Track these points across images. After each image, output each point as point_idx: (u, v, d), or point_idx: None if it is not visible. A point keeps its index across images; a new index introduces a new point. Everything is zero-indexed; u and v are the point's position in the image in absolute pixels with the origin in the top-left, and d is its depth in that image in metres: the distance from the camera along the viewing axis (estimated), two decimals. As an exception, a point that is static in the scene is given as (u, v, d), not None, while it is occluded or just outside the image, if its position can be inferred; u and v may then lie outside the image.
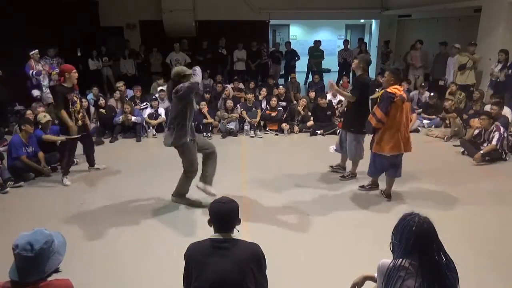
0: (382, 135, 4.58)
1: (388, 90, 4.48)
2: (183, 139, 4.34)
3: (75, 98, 5.27)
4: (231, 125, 7.94)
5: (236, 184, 5.32)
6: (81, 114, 5.39)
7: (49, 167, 5.78)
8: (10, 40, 8.20)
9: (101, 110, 7.89)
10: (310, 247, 3.86)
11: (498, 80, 7.66)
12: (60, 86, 5.22)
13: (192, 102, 4.44)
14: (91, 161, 5.88)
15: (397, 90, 4.47)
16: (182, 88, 4.19)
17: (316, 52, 12.66)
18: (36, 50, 8.16)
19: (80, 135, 5.43)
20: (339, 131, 5.89)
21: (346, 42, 12.87)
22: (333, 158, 6.68)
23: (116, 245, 3.91)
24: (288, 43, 13.01)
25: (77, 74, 5.25)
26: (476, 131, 6.53)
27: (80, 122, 5.36)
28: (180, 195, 4.81)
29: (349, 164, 5.62)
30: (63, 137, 6.02)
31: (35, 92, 8.20)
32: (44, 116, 6.07)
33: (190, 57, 11.29)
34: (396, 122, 4.49)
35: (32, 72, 8.11)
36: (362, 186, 5.16)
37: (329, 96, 8.67)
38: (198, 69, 4.39)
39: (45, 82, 8.37)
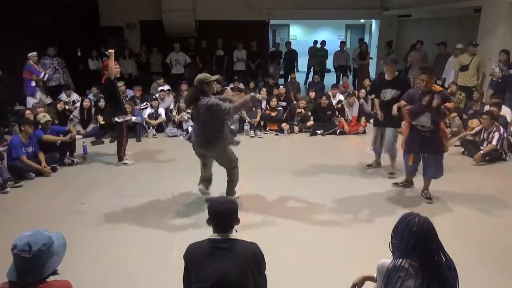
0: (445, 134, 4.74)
1: (440, 89, 4.60)
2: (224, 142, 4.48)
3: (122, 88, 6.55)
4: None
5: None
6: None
7: (49, 167, 5.77)
8: (10, 40, 8.20)
9: (100, 118, 7.80)
10: (310, 247, 3.86)
11: (499, 80, 7.66)
12: (109, 79, 5.81)
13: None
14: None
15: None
16: (223, 109, 4.17)
17: (320, 51, 12.67)
18: (35, 53, 8.08)
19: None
20: (376, 130, 5.83)
21: (342, 43, 12.79)
22: (332, 157, 6.68)
23: (117, 245, 3.91)
24: (288, 43, 13.01)
25: (118, 69, 5.93)
26: (476, 129, 6.54)
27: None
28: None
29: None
30: (62, 138, 6.07)
31: (31, 101, 8.09)
32: (43, 116, 6.08)
33: (191, 57, 11.32)
34: None
35: (45, 75, 8.15)
36: (428, 198, 4.83)
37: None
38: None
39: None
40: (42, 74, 8.14)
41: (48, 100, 8.32)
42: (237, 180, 4.77)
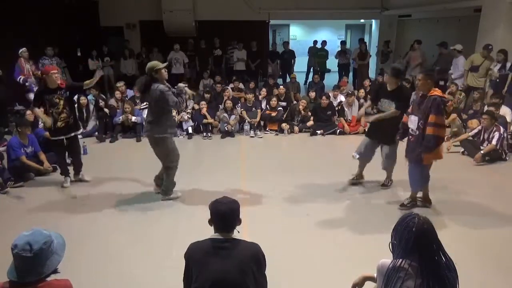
0: None
1: (438, 94, 4.10)
2: (162, 133, 4.50)
3: (57, 100, 4.98)
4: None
5: (236, 184, 5.32)
6: (63, 114, 5.05)
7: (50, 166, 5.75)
8: (10, 40, 8.19)
9: (106, 109, 7.87)
10: (309, 247, 3.86)
11: (497, 80, 7.67)
12: (40, 88, 5.25)
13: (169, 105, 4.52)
14: (75, 168, 5.46)
15: (443, 94, 4.14)
16: (164, 95, 4.34)
17: (320, 52, 12.68)
18: (24, 48, 7.96)
19: (63, 137, 5.21)
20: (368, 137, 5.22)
21: (343, 43, 12.83)
22: (333, 158, 6.68)
23: (116, 245, 3.91)
24: (286, 43, 13.02)
25: (56, 75, 4.98)
26: (475, 130, 6.55)
27: (59, 124, 5.05)
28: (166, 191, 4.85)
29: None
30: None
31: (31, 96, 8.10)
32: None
33: (191, 57, 11.35)
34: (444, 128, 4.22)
35: (20, 78, 7.92)
36: (403, 205, 4.58)
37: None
38: (180, 89, 4.53)
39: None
40: (19, 78, 7.92)
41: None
42: (172, 182, 4.79)
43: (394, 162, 5.03)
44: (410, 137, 4.40)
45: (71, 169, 5.49)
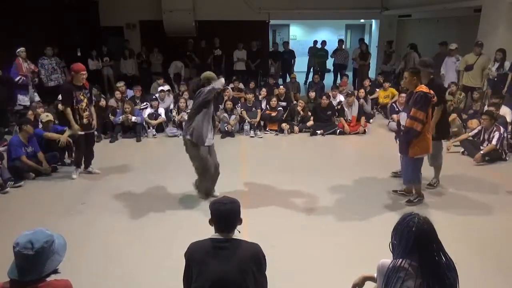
0: (421, 138, 4.36)
1: (424, 90, 4.26)
2: (195, 138, 4.58)
3: (82, 97, 5.36)
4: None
5: (236, 184, 5.32)
6: (86, 112, 5.44)
7: (49, 166, 5.76)
8: (10, 40, 8.19)
9: (111, 117, 7.88)
10: (309, 247, 3.86)
11: (495, 79, 7.67)
12: (68, 83, 5.56)
13: (210, 107, 4.65)
14: (87, 160, 5.78)
15: (428, 90, 4.29)
16: (201, 93, 4.52)
17: (320, 52, 12.67)
18: (23, 48, 7.96)
19: (85, 132, 5.49)
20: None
21: (340, 42, 12.76)
22: (333, 158, 6.67)
23: (116, 245, 3.91)
24: (286, 43, 13.02)
25: (84, 75, 5.35)
26: (475, 131, 6.55)
27: (85, 120, 5.44)
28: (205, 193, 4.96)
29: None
30: (63, 135, 6.01)
31: (23, 100, 8.03)
32: (46, 116, 6.10)
33: (190, 57, 11.37)
34: (429, 122, 4.41)
35: (20, 79, 7.90)
36: (410, 201, 4.72)
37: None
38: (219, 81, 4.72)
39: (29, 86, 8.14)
40: (18, 78, 7.92)
41: (37, 98, 8.25)
42: (204, 188, 4.88)
43: (437, 160, 5.09)
44: (401, 132, 4.58)
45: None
